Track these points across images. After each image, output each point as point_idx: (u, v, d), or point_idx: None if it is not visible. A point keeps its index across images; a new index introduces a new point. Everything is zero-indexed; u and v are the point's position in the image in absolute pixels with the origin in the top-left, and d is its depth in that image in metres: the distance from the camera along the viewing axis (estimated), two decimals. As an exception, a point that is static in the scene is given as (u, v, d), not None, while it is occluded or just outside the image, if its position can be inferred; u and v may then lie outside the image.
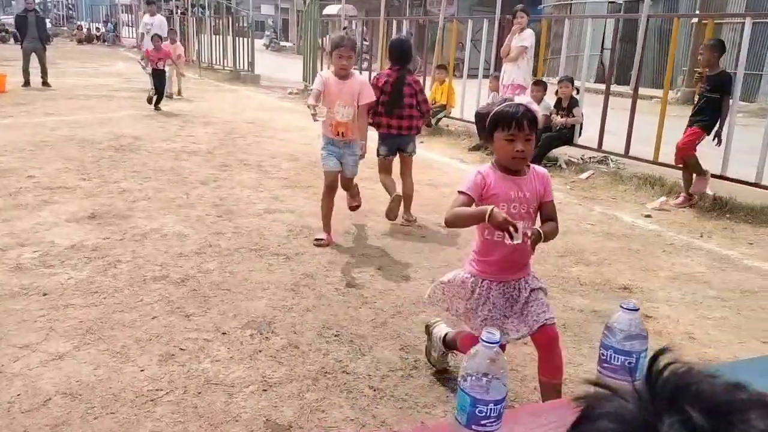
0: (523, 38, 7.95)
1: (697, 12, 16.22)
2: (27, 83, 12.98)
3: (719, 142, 6.05)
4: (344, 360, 2.99)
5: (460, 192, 2.34)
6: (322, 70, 14.12)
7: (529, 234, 2.22)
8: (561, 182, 6.93)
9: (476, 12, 20.36)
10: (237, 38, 17.91)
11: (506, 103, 2.30)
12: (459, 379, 1.26)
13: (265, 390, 2.71)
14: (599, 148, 7.81)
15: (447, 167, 7.67)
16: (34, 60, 13.06)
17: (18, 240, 4.36)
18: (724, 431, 0.54)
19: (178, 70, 12.59)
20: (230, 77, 17.26)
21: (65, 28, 37.03)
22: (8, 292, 3.54)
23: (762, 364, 1.85)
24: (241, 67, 17.39)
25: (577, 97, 7.93)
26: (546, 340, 2.38)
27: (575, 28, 14.38)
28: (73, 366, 2.82)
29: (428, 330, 2.95)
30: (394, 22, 12.88)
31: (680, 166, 6.26)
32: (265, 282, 3.86)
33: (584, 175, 7.17)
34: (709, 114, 5.97)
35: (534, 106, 2.32)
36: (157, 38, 10.98)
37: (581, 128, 7.94)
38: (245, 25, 18.11)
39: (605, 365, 1.44)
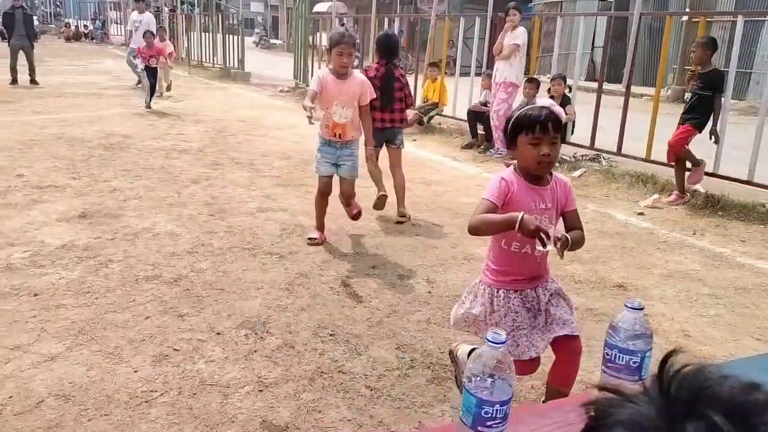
0: (516, 36, 7.93)
1: (688, 10, 16.29)
2: (15, 81, 12.84)
3: (716, 140, 6.08)
4: (340, 360, 2.97)
5: (484, 199, 2.24)
6: (312, 67, 14.10)
7: (559, 236, 2.14)
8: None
9: (467, 10, 20.37)
10: (227, 36, 17.81)
11: (530, 106, 2.23)
12: (464, 379, 1.24)
13: (260, 390, 2.68)
14: (591, 146, 7.82)
15: (439, 165, 7.66)
16: (21, 57, 12.93)
17: (7, 240, 4.30)
18: None
19: (166, 66, 12.48)
20: (220, 75, 17.17)
21: (53, 26, 36.67)
22: (-2, 293, 3.49)
23: (761, 363, 1.85)
24: (231, 65, 17.30)
25: (570, 95, 7.94)
26: (566, 351, 2.30)
27: (565, 26, 14.42)
28: (66, 367, 2.78)
29: (452, 356, 2.70)
30: (386, 20, 12.84)
31: (672, 163, 6.28)
32: (259, 281, 3.83)
33: (577, 173, 7.17)
34: (701, 112, 5.99)
35: (558, 108, 2.23)
36: (149, 35, 10.87)
37: (573, 126, 7.95)
38: (235, 22, 18.03)
39: (610, 365, 1.43)
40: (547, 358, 2.41)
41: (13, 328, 3.10)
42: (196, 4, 20.84)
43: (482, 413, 1.20)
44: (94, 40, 31.12)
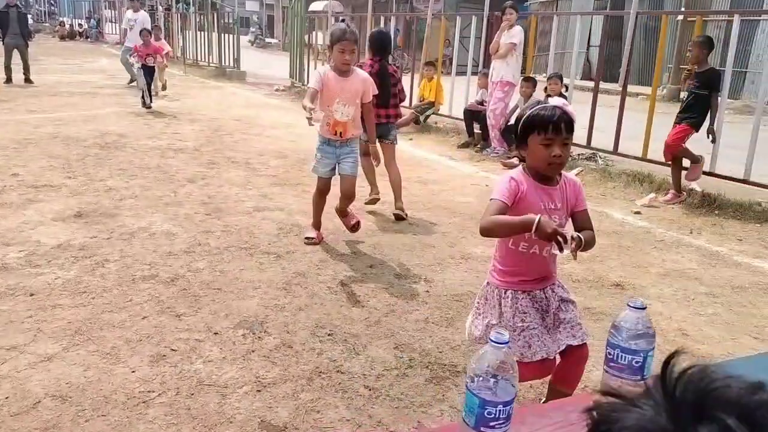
0: (512, 35, 7.93)
1: (683, 9, 16.33)
2: (9, 80, 12.81)
3: (714, 139, 6.09)
4: (338, 359, 2.96)
5: (494, 199, 2.17)
6: (308, 67, 14.08)
7: (574, 236, 2.09)
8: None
9: (463, 9, 20.38)
10: (222, 35, 17.77)
11: (541, 106, 2.18)
12: (467, 380, 1.23)
13: (259, 390, 2.67)
14: (588, 145, 7.82)
15: (436, 164, 7.65)
16: (16, 56, 12.89)
17: (3, 239, 4.28)
18: None
19: (162, 65, 12.42)
20: (215, 74, 17.13)
21: (47, 24, 36.51)
22: (-6, 293, 3.47)
23: (761, 362, 1.85)
24: (227, 64, 17.27)
25: (566, 94, 7.94)
26: (574, 357, 2.28)
27: (561, 25, 14.42)
28: (63, 368, 2.76)
29: None
30: (382, 19, 12.83)
31: (669, 162, 6.29)
32: (256, 281, 3.82)
33: (573, 172, 7.15)
34: (697, 111, 6.00)
35: (570, 109, 2.18)
36: (146, 33, 10.75)
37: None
38: (230, 21, 18.00)
39: (612, 364, 1.42)
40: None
41: (9, 329, 3.08)
42: (191, 3, 20.76)
43: (485, 414, 1.20)
44: (89, 39, 31.00)
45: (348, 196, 4.42)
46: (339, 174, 4.40)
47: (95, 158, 6.80)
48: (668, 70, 16.33)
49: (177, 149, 7.53)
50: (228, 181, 6.17)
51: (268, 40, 39.46)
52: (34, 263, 3.90)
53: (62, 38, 30.37)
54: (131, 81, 13.09)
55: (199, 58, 18.83)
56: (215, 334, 3.14)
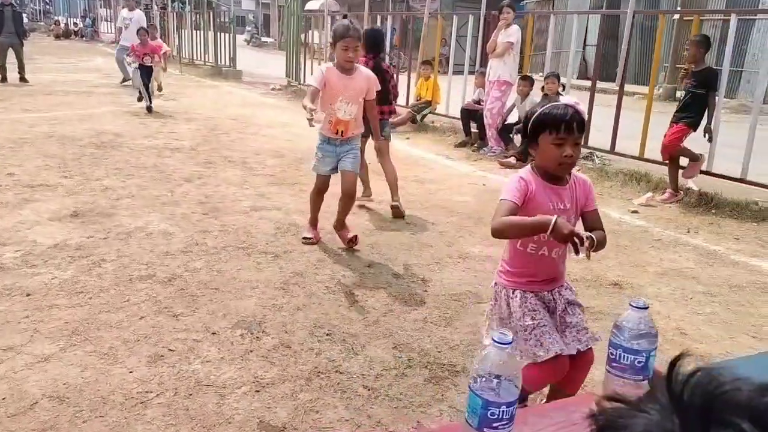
0: (509, 34, 7.93)
1: (679, 8, 16.36)
2: (4, 79, 12.78)
3: (710, 138, 6.10)
4: (337, 359, 2.95)
5: (504, 200, 2.12)
6: (304, 66, 14.05)
7: (586, 236, 2.04)
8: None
9: (459, 7, 20.36)
10: (218, 33, 17.73)
11: (553, 104, 2.12)
12: (470, 380, 1.23)
13: (257, 391, 2.66)
14: (585, 144, 7.82)
15: (433, 163, 7.64)
16: (11, 55, 12.84)
17: (-1, 239, 4.26)
18: None
19: (160, 65, 12.36)
20: (211, 73, 17.09)
21: (42, 23, 36.41)
22: (-10, 293, 3.45)
23: (761, 361, 1.85)
24: (223, 63, 17.23)
25: (563, 93, 7.94)
26: (580, 361, 2.26)
27: (558, 24, 14.43)
28: (60, 368, 2.75)
29: None
30: (378, 18, 12.82)
31: (666, 162, 6.29)
32: (254, 281, 3.81)
33: (570, 171, 7.18)
34: (694, 110, 6.00)
35: (582, 108, 2.13)
36: (143, 32, 10.58)
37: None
38: (226, 20, 17.94)
39: (614, 364, 1.42)
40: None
41: (5, 329, 3.06)
42: (187, 2, 20.73)
43: (488, 414, 1.19)
44: (84, 38, 30.89)
45: (349, 195, 4.36)
46: (340, 170, 4.34)
47: (91, 157, 6.78)
48: (664, 69, 16.36)
49: (173, 148, 7.51)
50: (225, 180, 6.15)
51: (264, 39, 39.37)
52: (31, 263, 3.88)
53: (57, 37, 30.27)
54: (124, 80, 13.04)
55: (195, 57, 18.80)
56: (213, 334, 3.13)
